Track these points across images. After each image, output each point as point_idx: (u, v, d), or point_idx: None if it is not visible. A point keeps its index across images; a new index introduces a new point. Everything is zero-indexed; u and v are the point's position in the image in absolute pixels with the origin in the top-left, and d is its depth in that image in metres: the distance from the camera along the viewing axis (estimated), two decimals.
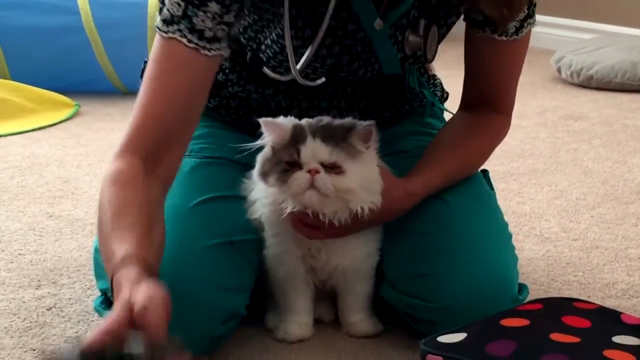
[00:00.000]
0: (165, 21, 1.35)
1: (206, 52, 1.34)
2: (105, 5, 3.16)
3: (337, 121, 1.40)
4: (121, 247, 1.18)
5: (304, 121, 1.40)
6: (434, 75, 1.75)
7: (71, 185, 2.31)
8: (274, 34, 1.46)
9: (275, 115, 1.57)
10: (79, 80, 3.24)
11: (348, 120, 1.40)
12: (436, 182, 1.48)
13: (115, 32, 3.15)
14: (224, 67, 1.57)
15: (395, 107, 1.65)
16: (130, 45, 3.14)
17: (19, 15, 3.17)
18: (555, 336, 1.25)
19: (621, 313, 1.35)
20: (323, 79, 1.50)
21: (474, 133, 1.55)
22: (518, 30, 1.49)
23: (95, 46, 3.15)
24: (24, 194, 2.24)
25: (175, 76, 1.35)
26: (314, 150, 1.35)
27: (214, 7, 1.33)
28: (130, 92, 3.23)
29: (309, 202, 1.36)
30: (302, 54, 1.45)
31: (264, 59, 1.51)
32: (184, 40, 1.33)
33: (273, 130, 1.38)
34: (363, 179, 1.38)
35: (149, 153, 1.34)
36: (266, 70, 1.52)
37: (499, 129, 1.59)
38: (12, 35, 3.16)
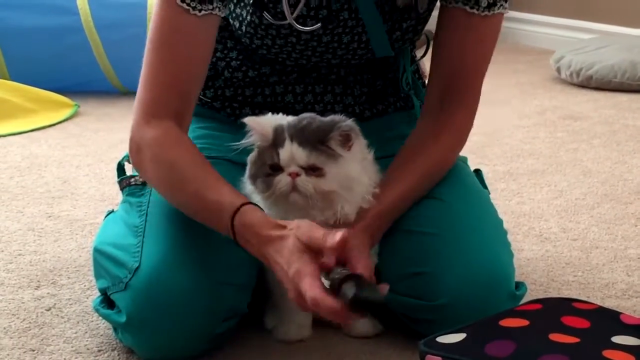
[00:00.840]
0: None
1: (195, 12, 1.40)
2: (105, 6, 3.16)
3: (318, 121, 1.38)
4: (226, 197, 1.34)
5: (286, 122, 1.39)
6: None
7: (70, 185, 2.31)
8: None
9: (270, 103, 1.58)
10: (78, 80, 3.24)
11: (329, 119, 1.39)
12: (406, 193, 1.48)
13: (114, 32, 3.16)
14: (218, 49, 1.58)
15: (389, 101, 1.65)
16: (129, 46, 3.13)
17: (18, 16, 3.17)
18: (555, 336, 1.25)
19: (620, 313, 1.35)
20: (319, 25, 1.49)
21: (436, 135, 1.52)
22: (490, 6, 1.48)
23: (95, 46, 3.15)
24: (23, 194, 2.24)
25: (173, 37, 1.43)
26: (291, 154, 1.36)
27: None
28: (129, 92, 3.24)
29: (294, 203, 1.37)
30: (296, 7, 1.48)
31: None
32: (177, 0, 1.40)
33: (257, 130, 1.39)
34: (345, 180, 1.38)
35: (173, 116, 1.42)
36: (265, 14, 1.50)
37: (461, 127, 1.55)
38: (12, 35, 3.17)
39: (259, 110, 1.58)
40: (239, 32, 1.53)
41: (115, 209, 1.58)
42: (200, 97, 1.61)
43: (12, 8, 3.19)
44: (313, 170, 1.36)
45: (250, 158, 1.41)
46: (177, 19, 1.41)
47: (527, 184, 2.34)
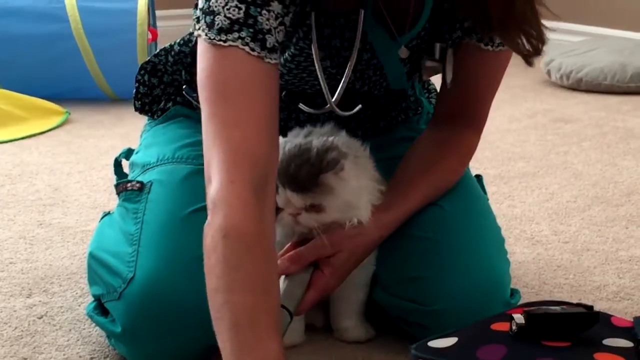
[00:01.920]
0: (221, 30, 1.25)
1: (269, 60, 1.26)
2: (95, 13, 3.16)
3: (306, 162, 1.36)
4: (268, 345, 1.12)
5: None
6: (428, 80, 1.75)
7: (62, 192, 2.31)
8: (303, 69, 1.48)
9: None
10: (69, 87, 3.24)
11: (316, 153, 1.37)
12: (408, 214, 1.48)
13: (104, 39, 3.16)
14: None
15: (391, 116, 1.65)
16: (120, 53, 3.14)
17: (8, 23, 3.17)
18: (546, 340, 1.25)
19: (611, 316, 1.36)
20: (360, 106, 1.50)
21: (444, 155, 1.53)
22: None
23: (85, 53, 3.15)
24: (14, 202, 2.24)
25: (248, 88, 1.25)
26: (287, 200, 1.37)
27: (276, 6, 1.28)
28: (120, 99, 3.24)
29: (300, 233, 1.40)
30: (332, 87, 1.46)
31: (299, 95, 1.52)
32: (247, 48, 1.25)
33: None
34: (346, 206, 1.39)
35: (256, 188, 1.21)
36: (302, 105, 1.52)
37: (468, 149, 1.56)
38: (1, 43, 3.16)
39: None
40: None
41: (111, 211, 1.57)
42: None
43: (2, 15, 3.18)
44: (312, 206, 1.37)
45: None
46: (249, 70, 1.25)
47: (518, 187, 2.34)
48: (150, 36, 3.23)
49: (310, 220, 1.37)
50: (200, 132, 1.58)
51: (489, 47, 1.47)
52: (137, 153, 1.63)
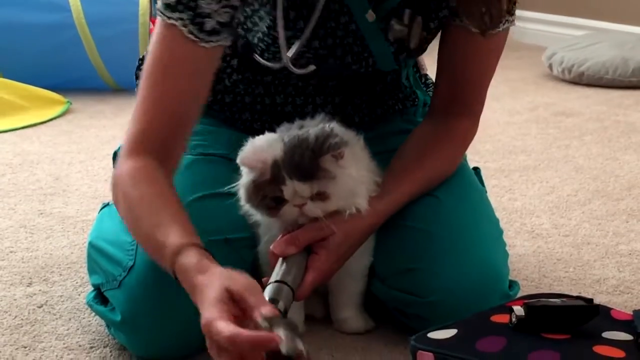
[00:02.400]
0: (168, 6, 1.34)
1: (204, 44, 1.34)
2: (97, 2, 3.16)
3: (308, 149, 1.37)
4: (171, 238, 1.24)
5: (279, 155, 1.37)
6: (426, 75, 1.75)
7: (62, 182, 2.31)
8: (265, 22, 1.46)
9: (269, 111, 1.57)
10: (70, 77, 3.23)
11: (315, 139, 1.37)
12: (402, 201, 1.48)
13: (106, 29, 3.15)
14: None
15: (388, 104, 1.65)
16: (121, 42, 3.14)
17: (9, 13, 3.16)
18: (546, 333, 1.25)
19: (611, 309, 1.36)
20: (313, 67, 1.49)
21: (439, 143, 1.53)
22: (496, 25, 1.46)
23: (87, 43, 3.15)
24: (15, 191, 2.24)
25: (176, 69, 1.36)
26: (294, 191, 1.36)
27: None
28: (121, 89, 3.23)
29: (302, 223, 1.40)
30: (293, 44, 1.45)
31: (256, 48, 1.50)
32: (185, 30, 1.33)
33: (252, 167, 1.38)
34: (348, 193, 1.39)
35: (159, 150, 1.36)
36: (257, 57, 1.51)
37: (465, 137, 1.57)
38: (3, 32, 3.16)
39: (257, 116, 1.58)
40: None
41: (110, 202, 1.57)
42: None
43: (3, 5, 3.18)
44: (318, 195, 1.37)
45: (245, 188, 1.40)
46: (182, 51, 1.35)
47: (518, 180, 2.34)
48: (152, 26, 3.22)
49: (316, 209, 1.37)
50: (199, 122, 1.59)
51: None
52: None
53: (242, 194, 1.41)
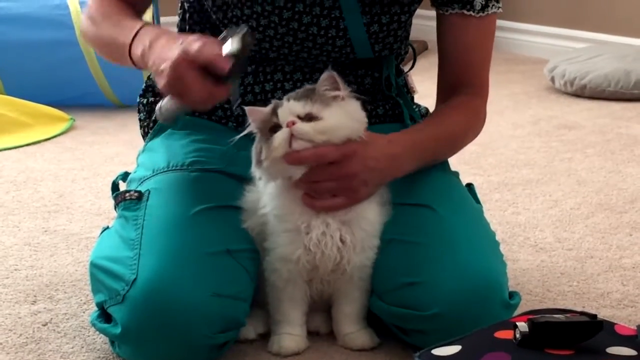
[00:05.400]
0: None
1: None
2: None
3: (308, 87, 1.45)
4: (132, 25, 1.51)
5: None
6: (418, 105, 1.75)
7: (66, 199, 2.31)
8: None
9: (260, 101, 1.60)
10: (74, 94, 3.24)
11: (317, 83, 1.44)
12: (427, 142, 1.54)
13: None
14: None
15: (377, 104, 1.66)
16: None
17: (13, 30, 3.18)
18: (550, 348, 1.25)
19: (615, 324, 1.35)
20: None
21: (451, 109, 1.62)
22: (484, 7, 1.58)
23: (90, 60, 3.16)
24: (19, 208, 2.24)
25: None
26: (289, 109, 1.40)
27: None
28: (124, 106, 3.24)
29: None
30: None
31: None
32: None
33: (256, 114, 1.43)
34: (343, 117, 1.41)
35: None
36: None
37: (475, 109, 1.65)
38: (6, 49, 3.17)
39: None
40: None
41: (110, 225, 1.58)
42: None
43: (7, 22, 3.19)
44: (309, 119, 1.39)
45: (253, 148, 1.44)
46: None
47: (521, 194, 2.35)
48: None
49: (305, 127, 1.39)
50: (195, 139, 1.60)
51: (471, 12, 1.58)
52: (133, 173, 1.64)
53: (252, 159, 1.44)
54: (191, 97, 1.37)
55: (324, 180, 1.42)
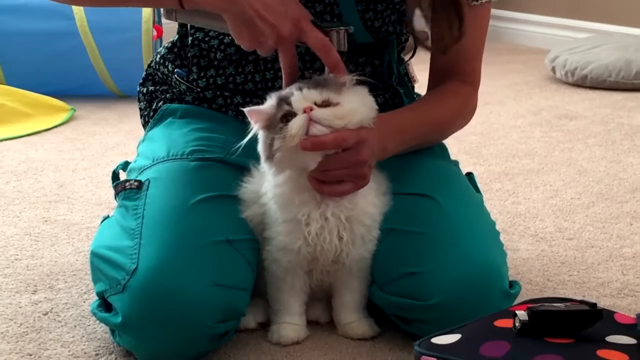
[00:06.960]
0: None
1: None
2: (100, 10, 3.16)
3: (321, 77, 1.44)
4: None
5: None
6: (418, 94, 1.75)
7: (67, 189, 2.32)
8: None
9: (260, 89, 1.60)
10: (74, 84, 3.25)
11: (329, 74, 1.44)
12: (407, 123, 1.53)
13: (110, 36, 3.16)
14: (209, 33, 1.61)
15: (378, 93, 1.66)
16: (124, 50, 3.15)
17: (13, 20, 3.18)
18: (549, 337, 1.26)
19: (614, 313, 1.36)
20: None
21: (440, 96, 1.62)
22: None
23: (90, 50, 3.16)
24: (20, 198, 2.25)
25: None
26: (304, 96, 1.38)
27: None
28: (125, 96, 3.24)
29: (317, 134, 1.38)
30: None
31: None
32: None
33: (258, 113, 1.40)
34: (358, 102, 1.41)
35: None
36: None
37: (465, 97, 1.64)
38: (7, 39, 3.17)
39: (249, 99, 1.59)
40: None
41: (110, 215, 1.58)
42: (193, 87, 1.62)
43: (8, 12, 3.19)
44: (326, 106, 1.38)
45: (260, 144, 1.41)
46: None
47: (522, 183, 2.35)
48: (155, 33, 3.23)
49: (324, 112, 1.37)
50: (196, 127, 1.60)
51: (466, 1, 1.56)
52: (133, 162, 1.64)
53: (261, 154, 1.42)
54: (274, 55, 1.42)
55: (338, 168, 1.41)
